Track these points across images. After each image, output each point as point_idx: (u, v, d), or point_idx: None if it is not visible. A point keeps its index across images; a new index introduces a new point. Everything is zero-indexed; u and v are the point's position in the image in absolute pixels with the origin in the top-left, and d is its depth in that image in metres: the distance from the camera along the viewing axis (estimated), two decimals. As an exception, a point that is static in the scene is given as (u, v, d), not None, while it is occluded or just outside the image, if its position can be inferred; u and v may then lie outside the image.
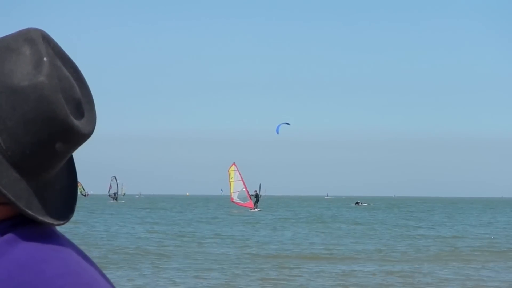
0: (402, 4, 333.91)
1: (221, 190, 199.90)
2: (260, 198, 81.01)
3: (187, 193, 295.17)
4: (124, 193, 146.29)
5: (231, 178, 77.21)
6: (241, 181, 76.65)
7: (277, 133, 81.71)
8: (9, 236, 1.36)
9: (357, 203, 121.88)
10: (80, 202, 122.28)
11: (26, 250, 1.34)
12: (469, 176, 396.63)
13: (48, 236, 1.39)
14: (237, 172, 77.15)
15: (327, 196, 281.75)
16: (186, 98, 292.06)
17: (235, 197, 77.52)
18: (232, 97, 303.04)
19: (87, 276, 1.36)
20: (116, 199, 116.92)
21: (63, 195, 1.43)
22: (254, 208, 75.68)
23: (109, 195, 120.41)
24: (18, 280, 1.31)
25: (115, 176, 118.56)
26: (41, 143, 1.36)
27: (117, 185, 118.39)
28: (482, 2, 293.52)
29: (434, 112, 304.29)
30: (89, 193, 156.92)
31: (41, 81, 1.34)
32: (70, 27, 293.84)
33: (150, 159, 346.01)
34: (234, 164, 77.97)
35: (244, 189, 76.98)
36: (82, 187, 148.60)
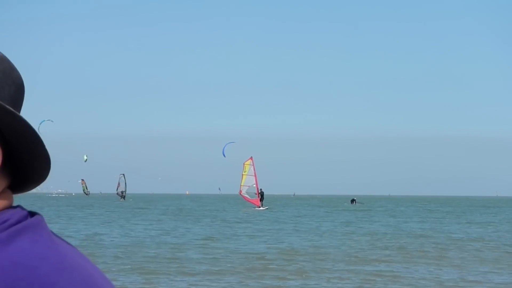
0: (403, 3, 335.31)
1: (219, 189, 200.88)
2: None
3: (187, 192, 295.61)
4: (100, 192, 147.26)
5: (245, 172, 76.94)
6: (254, 176, 76.49)
7: (224, 156, 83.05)
8: (1, 235, 1.36)
9: (353, 200, 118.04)
10: (89, 200, 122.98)
11: (20, 248, 1.34)
12: (463, 175, 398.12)
13: (42, 233, 1.40)
14: (252, 167, 76.93)
15: (293, 195, 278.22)
16: (184, 96, 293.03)
17: (243, 191, 77.30)
18: (232, 96, 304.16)
19: (82, 272, 1.37)
20: (124, 198, 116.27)
21: None
22: (260, 206, 75.83)
23: (117, 194, 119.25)
24: (13, 276, 1.31)
25: (123, 174, 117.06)
26: (19, 109, 1.46)
27: (125, 183, 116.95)
28: (484, 0, 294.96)
29: (429, 111, 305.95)
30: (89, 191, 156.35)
31: (1, 54, 1.44)
32: (68, 28, 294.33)
33: (149, 157, 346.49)
34: (251, 158, 77.64)
35: (254, 185, 76.76)
36: (86, 185, 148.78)
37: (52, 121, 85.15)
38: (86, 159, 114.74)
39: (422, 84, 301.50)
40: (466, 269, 22.12)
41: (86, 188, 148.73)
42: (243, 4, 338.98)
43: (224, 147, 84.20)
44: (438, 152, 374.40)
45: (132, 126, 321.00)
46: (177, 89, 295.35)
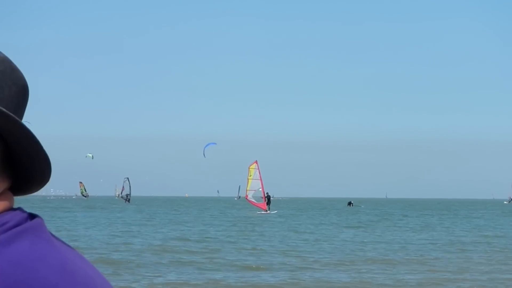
0: (401, 3, 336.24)
1: (218, 191, 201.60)
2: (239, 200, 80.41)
3: (186, 195, 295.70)
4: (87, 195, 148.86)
5: (250, 176, 76.46)
6: (260, 180, 76.17)
7: (204, 156, 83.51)
8: (1, 237, 1.37)
9: (349, 203, 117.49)
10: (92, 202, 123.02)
11: (19, 250, 1.35)
12: (460, 178, 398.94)
13: (42, 236, 1.41)
14: (257, 170, 76.50)
15: (273, 197, 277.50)
16: (183, 99, 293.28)
17: (250, 195, 77.01)
18: (229, 98, 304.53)
19: (82, 274, 1.37)
20: (128, 201, 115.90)
21: None
22: (267, 210, 75.66)
23: (121, 197, 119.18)
24: (13, 278, 1.31)
25: (127, 178, 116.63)
26: (22, 113, 1.49)
27: (129, 186, 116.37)
28: (482, 1, 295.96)
29: (426, 114, 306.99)
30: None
31: (3, 56, 1.45)
32: (66, 30, 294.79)
33: (147, 160, 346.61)
34: (256, 162, 77.14)
35: (260, 189, 76.48)
36: (84, 188, 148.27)
37: (29, 122, 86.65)
38: (92, 157, 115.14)
39: (419, 87, 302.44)
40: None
41: (85, 191, 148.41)
42: (245, 4, 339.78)
43: (205, 147, 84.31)
44: (435, 154, 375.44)
45: (131, 128, 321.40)
46: (176, 91, 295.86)
